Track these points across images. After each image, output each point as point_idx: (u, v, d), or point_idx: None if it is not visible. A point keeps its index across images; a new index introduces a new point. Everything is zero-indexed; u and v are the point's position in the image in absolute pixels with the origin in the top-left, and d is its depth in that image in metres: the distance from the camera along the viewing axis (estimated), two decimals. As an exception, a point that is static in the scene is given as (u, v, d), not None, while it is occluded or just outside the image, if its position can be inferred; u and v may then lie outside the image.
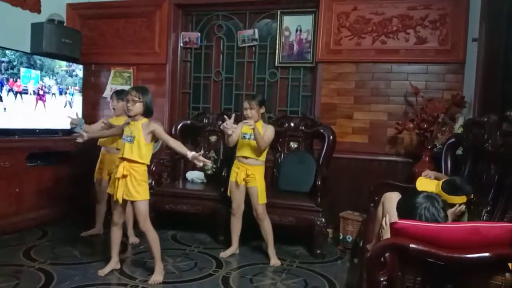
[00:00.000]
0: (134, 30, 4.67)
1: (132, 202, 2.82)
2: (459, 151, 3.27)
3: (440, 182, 2.44)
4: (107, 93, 4.75)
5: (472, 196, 2.38)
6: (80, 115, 3.66)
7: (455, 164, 3.17)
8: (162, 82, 4.58)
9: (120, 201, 2.80)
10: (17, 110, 3.90)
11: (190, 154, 2.73)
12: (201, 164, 2.74)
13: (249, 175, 3.29)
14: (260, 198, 3.30)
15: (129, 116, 2.86)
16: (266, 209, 3.34)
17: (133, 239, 3.61)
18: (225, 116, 3.37)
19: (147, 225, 2.83)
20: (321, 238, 3.48)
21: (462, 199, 2.33)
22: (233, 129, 3.25)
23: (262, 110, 3.38)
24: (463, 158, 3.08)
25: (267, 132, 3.32)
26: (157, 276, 2.86)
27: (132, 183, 2.77)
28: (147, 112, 2.85)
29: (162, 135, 2.86)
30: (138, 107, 2.79)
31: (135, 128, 2.81)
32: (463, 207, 2.34)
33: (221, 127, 3.31)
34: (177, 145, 2.84)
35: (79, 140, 2.99)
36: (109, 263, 2.98)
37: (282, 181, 3.92)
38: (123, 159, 2.80)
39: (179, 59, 4.71)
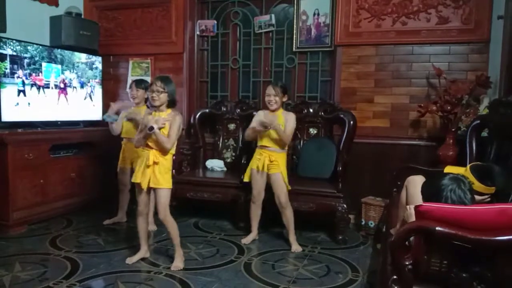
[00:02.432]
0: (150, 20, 4.66)
1: (156, 190, 2.84)
2: (484, 133, 3.18)
3: (468, 167, 2.35)
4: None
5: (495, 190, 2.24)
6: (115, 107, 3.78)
7: (480, 146, 3.09)
8: (179, 71, 4.58)
9: (145, 188, 2.82)
10: (40, 104, 3.97)
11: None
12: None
13: (273, 161, 3.27)
14: (287, 184, 3.31)
15: (153, 106, 2.85)
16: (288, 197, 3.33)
17: (152, 227, 3.64)
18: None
19: (167, 213, 2.86)
20: (342, 224, 3.46)
21: (490, 190, 2.22)
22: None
23: (285, 98, 3.37)
24: (488, 140, 2.99)
25: (289, 122, 3.29)
26: (178, 262, 2.90)
27: (159, 171, 2.79)
28: (172, 103, 2.86)
29: (172, 133, 2.79)
30: (163, 98, 2.80)
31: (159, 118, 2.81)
32: (488, 198, 2.24)
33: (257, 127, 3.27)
34: (165, 142, 2.78)
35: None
36: (138, 252, 3.01)
37: (302, 167, 3.90)
38: (150, 147, 2.80)
39: (196, 47, 4.69)
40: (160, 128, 2.76)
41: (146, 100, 3.72)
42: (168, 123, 2.80)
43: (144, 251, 3.03)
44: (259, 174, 3.34)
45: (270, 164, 3.28)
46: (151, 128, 2.70)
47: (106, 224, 3.82)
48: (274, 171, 3.28)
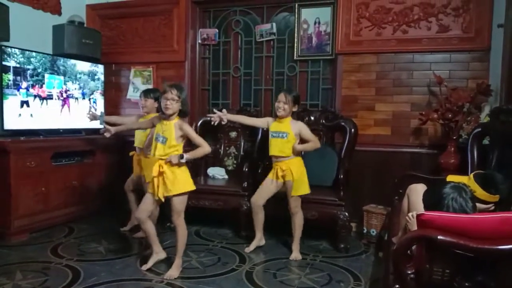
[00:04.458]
0: (152, 28, 4.70)
1: (170, 198, 2.84)
2: (485, 141, 3.18)
3: (471, 175, 2.34)
4: (130, 94, 4.80)
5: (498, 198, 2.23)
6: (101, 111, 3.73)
7: (482, 154, 3.09)
8: (181, 79, 4.59)
9: (163, 199, 2.82)
10: (43, 116, 3.99)
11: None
12: None
13: (284, 170, 3.27)
14: (298, 189, 3.26)
15: (164, 114, 2.84)
16: (300, 204, 3.32)
17: (141, 234, 3.56)
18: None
19: (179, 219, 2.87)
20: (344, 232, 3.45)
21: (495, 198, 2.20)
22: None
23: (295, 108, 3.34)
24: (490, 148, 2.99)
25: (304, 129, 3.29)
26: (173, 271, 2.88)
27: (169, 179, 2.79)
28: (183, 112, 2.86)
29: (196, 139, 2.84)
30: (176, 107, 2.80)
31: (167, 128, 2.81)
32: (492, 207, 2.23)
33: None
34: (202, 152, 2.86)
35: (106, 135, 3.17)
36: (151, 257, 3.01)
37: (303, 175, 3.89)
38: (159, 158, 2.81)
39: (198, 56, 4.72)
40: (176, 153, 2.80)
41: (158, 109, 3.71)
42: (184, 131, 2.81)
43: (162, 254, 3.03)
44: (272, 183, 3.35)
45: (282, 173, 3.28)
46: (182, 157, 2.76)
47: (124, 231, 3.83)
48: (287, 178, 3.28)
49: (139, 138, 3.67)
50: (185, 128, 2.81)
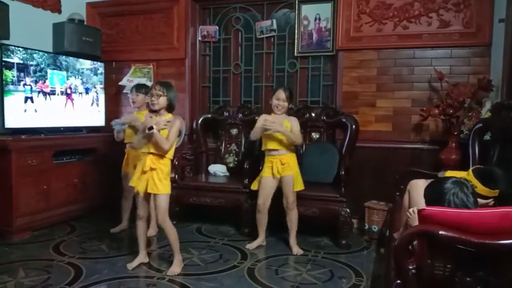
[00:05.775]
0: (152, 26, 4.69)
1: (154, 196, 2.85)
2: (486, 136, 3.17)
3: (470, 170, 2.33)
4: (124, 82, 4.78)
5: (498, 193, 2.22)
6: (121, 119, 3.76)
7: (483, 149, 3.08)
8: (182, 76, 4.59)
9: (142, 193, 2.84)
10: (47, 111, 4.00)
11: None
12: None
13: (284, 164, 3.28)
14: (296, 185, 3.29)
15: (153, 111, 2.86)
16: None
17: (152, 231, 3.60)
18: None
19: (165, 219, 2.87)
20: (346, 229, 3.45)
21: (494, 193, 2.19)
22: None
23: (290, 105, 3.43)
24: (491, 144, 2.99)
25: (294, 125, 3.32)
26: (175, 268, 2.89)
27: (158, 176, 2.80)
28: (170, 107, 2.88)
29: (170, 136, 2.79)
30: (162, 102, 2.82)
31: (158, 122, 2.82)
32: (492, 202, 2.22)
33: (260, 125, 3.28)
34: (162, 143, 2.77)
35: None
36: (137, 257, 3.02)
37: (305, 172, 3.85)
38: (148, 153, 2.82)
39: (198, 53, 4.71)
40: (160, 130, 2.77)
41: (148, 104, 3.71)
42: (168, 125, 2.81)
43: (143, 256, 3.03)
44: (272, 180, 3.34)
45: (282, 167, 3.29)
46: (151, 128, 2.70)
47: (113, 232, 3.77)
48: (286, 173, 3.29)
49: (129, 133, 3.66)
50: (175, 122, 2.82)
